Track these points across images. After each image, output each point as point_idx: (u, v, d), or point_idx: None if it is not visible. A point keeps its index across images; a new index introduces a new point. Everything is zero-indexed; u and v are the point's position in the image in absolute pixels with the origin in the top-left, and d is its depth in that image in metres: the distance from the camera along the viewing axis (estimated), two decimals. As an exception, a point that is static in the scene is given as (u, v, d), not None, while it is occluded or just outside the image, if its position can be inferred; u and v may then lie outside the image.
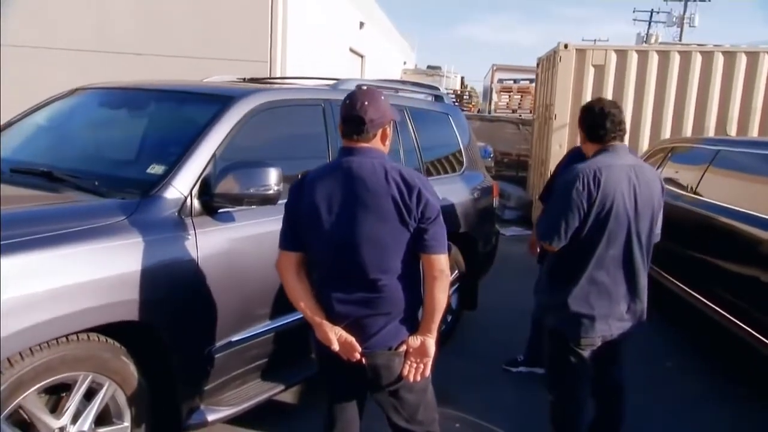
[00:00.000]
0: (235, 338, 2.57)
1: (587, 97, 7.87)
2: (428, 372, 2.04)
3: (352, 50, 15.73)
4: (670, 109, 7.81)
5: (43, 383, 1.97)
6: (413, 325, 2.03)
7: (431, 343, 2.00)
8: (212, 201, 2.46)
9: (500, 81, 15.29)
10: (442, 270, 1.96)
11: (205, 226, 2.45)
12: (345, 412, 2.14)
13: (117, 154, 2.88)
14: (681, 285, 4.67)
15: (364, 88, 2.07)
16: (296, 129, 3.06)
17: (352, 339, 1.96)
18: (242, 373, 2.71)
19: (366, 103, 1.98)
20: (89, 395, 2.15)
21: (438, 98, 4.58)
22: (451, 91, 14.56)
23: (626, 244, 2.38)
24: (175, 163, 2.46)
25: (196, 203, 2.44)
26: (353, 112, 1.97)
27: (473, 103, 19.32)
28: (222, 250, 2.48)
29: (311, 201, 1.96)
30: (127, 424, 2.27)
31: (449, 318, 4.30)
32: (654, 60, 7.80)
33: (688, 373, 4.10)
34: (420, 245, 1.95)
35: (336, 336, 1.97)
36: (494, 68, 19.38)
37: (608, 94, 7.85)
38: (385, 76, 15.95)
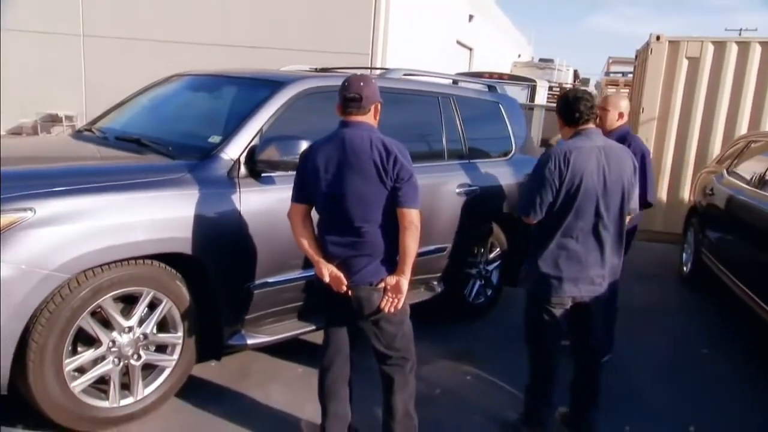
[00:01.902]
0: (270, 280, 3.14)
1: (679, 90, 7.69)
2: (401, 306, 2.47)
3: (459, 43, 16.05)
4: (772, 105, 7.41)
5: (116, 292, 2.66)
6: (392, 267, 2.46)
7: (405, 282, 2.43)
8: (257, 166, 3.04)
9: (607, 74, 14.84)
10: (411, 221, 2.39)
11: (249, 186, 3.04)
12: (338, 335, 2.63)
13: (189, 127, 3.58)
14: (737, 281, 4.64)
15: (359, 74, 2.55)
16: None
17: (340, 274, 2.45)
18: (279, 311, 3.28)
19: (362, 84, 2.47)
20: (152, 307, 2.83)
21: (491, 88, 4.88)
22: (557, 85, 14.41)
23: (595, 217, 2.65)
24: (228, 134, 3.08)
25: (243, 167, 3.04)
26: (352, 89, 2.45)
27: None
28: (261, 207, 3.05)
29: (314, 163, 2.47)
30: (180, 334, 2.93)
31: (489, 292, 4.64)
32: (756, 52, 7.43)
33: (721, 360, 4.15)
34: (395, 200, 2.40)
35: (328, 271, 2.46)
36: (610, 61, 18.78)
37: (702, 87, 7.61)
38: (493, 69, 16.10)
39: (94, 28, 10.41)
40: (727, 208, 5.06)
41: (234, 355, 3.40)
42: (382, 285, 2.45)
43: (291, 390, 3.28)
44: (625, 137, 3.48)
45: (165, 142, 3.22)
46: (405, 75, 4.11)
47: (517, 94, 11.06)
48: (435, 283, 4.15)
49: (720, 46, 7.55)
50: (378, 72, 4.14)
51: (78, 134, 3.78)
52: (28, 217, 2.37)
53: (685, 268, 6.14)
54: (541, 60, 20.22)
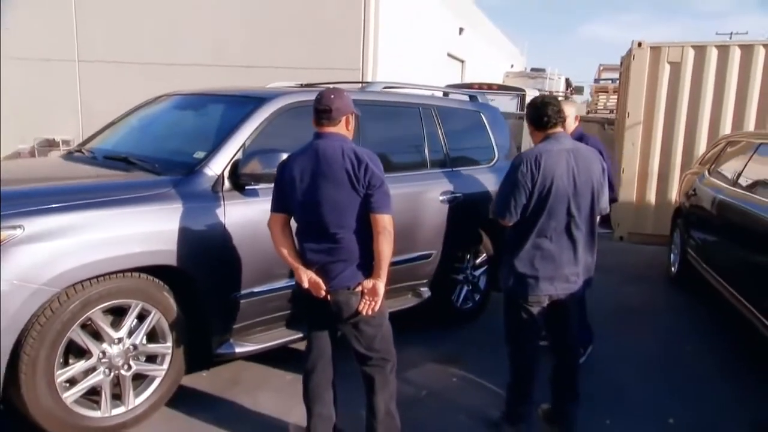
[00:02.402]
0: (257, 289, 3.23)
1: (662, 95, 7.82)
2: (378, 308, 2.56)
3: (450, 55, 16.25)
4: (753, 107, 7.52)
5: (105, 304, 2.76)
6: (368, 271, 2.55)
7: (381, 285, 2.52)
8: (240, 179, 3.15)
9: (596, 81, 14.98)
10: (384, 227, 2.49)
11: (233, 199, 3.15)
12: (320, 339, 2.72)
13: (176, 144, 3.70)
14: (719, 279, 4.72)
15: (331, 87, 2.66)
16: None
17: (319, 280, 2.55)
18: (266, 319, 3.37)
19: (333, 96, 2.59)
20: (141, 319, 2.92)
21: (472, 98, 5.01)
22: (548, 93, 14.59)
23: (567, 217, 2.75)
24: (212, 150, 3.19)
25: (227, 181, 3.15)
26: (323, 102, 2.58)
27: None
28: (245, 218, 3.15)
29: (290, 174, 2.58)
30: (169, 344, 3.02)
31: (477, 297, 4.73)
32: (736, 55, 7.57)
33: (704, 357, 4.23)
34: (368, 207, 2.50)
35: (307, 277, 2.56)
36: (601, 68, 18.98)
37: (685, 91, 7.74)
38: (484, 80, 16.28)
39: (89, 53, 10.58)
40: (709, 207, 5.15)
41: (224, 364, 3.49)
42: (360, 289, 2.55)
43: (280, 396, 3.36)
44: (581, 137, 3.73)
45: (152, 159, 3.34)
46: (386, 88, 4.24)
47: (507, 103, 11.18)
48: (422, 289, 4.23)
49: (700, 50, 7.69)
50: (360, 86, 4.26)
51: (68, 155, 3.90)
52: (17, 234, 2.48)
53: (672, 269, 6.23)
54: (532, 69, 20.40)
